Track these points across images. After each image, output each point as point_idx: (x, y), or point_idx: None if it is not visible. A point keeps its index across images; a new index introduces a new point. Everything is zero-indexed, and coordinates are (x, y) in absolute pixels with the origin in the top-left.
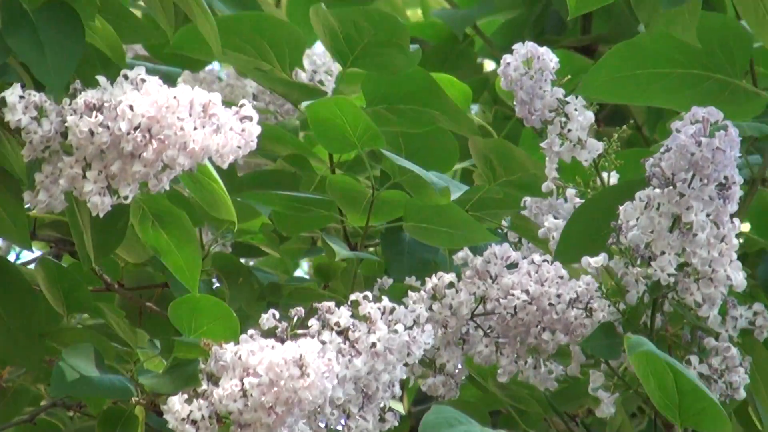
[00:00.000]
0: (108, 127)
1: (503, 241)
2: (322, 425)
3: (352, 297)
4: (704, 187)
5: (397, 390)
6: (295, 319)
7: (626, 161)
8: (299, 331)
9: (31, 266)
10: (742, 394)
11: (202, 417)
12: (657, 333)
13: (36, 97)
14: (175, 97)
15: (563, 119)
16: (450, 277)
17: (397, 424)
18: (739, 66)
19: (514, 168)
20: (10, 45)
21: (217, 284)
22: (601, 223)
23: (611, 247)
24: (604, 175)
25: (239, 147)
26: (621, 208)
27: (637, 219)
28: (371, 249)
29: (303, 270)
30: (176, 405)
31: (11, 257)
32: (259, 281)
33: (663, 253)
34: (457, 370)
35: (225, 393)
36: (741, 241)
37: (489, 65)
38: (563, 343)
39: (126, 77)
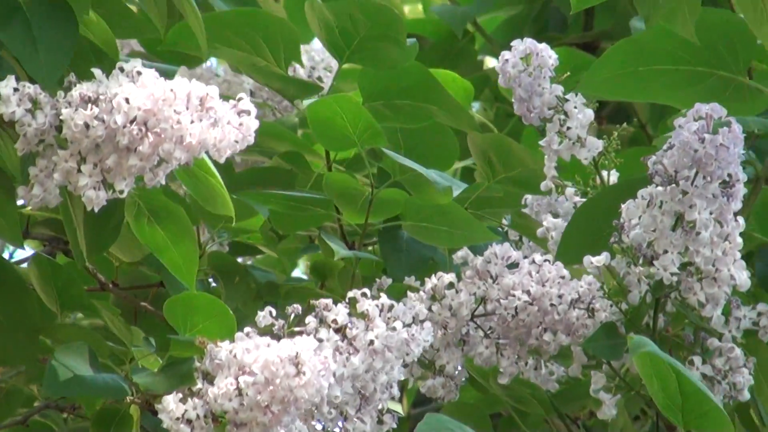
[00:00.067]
0: (103, 120)
1: (504, 240)
2: (319, 428)
3: (350, 294)
4: (708, 184)
5: (395, 391)
6: (292, 316)
7: (629, 160)
8: (296, 329)
9: (24, 266)
10: (746, 395)
11: (197, 416)
12: (659, 333)
13: (30, 89)
14: (171, 90)
15: (562, 117)
16: (450, 277)
17: (395, 426)
18: (743, 63)
19: (514, 164)
20: (2, 40)
21: (213, 284)
22: (602, 222)
23: (613, 246)
24: (604, 173)
25: (237, 141)
26: (623, 206)
27: (640, 217)
28: (369, 249)
29: (301, 270)
30: (171, 404)
31: (4, 256)
32: (256, 280)
33: (666, 251)
34: (456, 372)
35: (220, 392)
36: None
37: (490, 62)
38: (565, 344)
39: (122, 70)
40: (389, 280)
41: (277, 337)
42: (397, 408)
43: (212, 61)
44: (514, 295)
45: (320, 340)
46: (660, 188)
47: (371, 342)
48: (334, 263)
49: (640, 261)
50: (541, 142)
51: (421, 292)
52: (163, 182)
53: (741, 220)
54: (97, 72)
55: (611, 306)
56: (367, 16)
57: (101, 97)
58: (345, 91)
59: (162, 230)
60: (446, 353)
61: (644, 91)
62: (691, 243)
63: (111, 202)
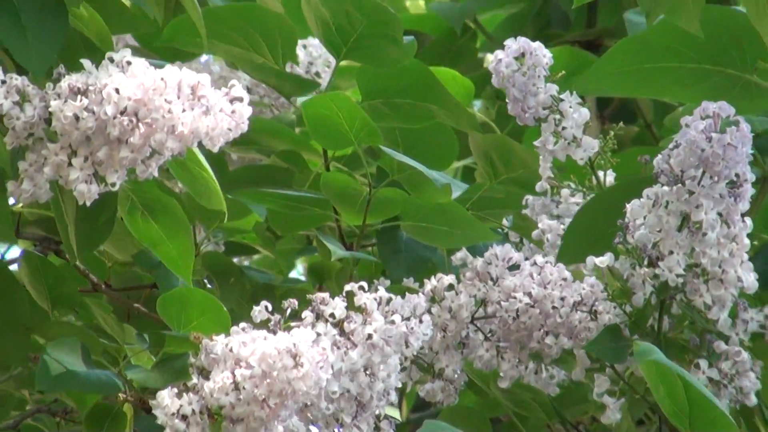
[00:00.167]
0: (93, 112)
1: (504, 241)
2: (316, 431)
3: (347, 288)
4: (714, 184)
5: (393, 397)
6: (289, 311)
7: (634, 160)
8: (292, 324)
9: (14, 267)
10: (753, 399)
11: (193, 411)
12: (665, 336)
13: (18, 81)
14: (162, 79)
15: (558, 117)
16: (449, 278)
17: None
18: (750, 60)
19: (516, 165)
20: None
21: (209, 285)
22: (605, 222)
23: (617, 246)
24: (600, 174)
25: (230, 129)
26: (628, 206)
27: (645, 217)
28: (368, 250)
29: (298, 272)
30: (166, 399)
31: None
32: (252, 282)
33: (671, 252)
34: (456, 375)
35: (216, 386)
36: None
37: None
38: (567, 348)
39: (111, 60)
40: (387, 282)
41: (273, 333)
42: (395, 413)
43: (208, 57)
44: (515, 298)
45: (318, 335)
46: (666, 188)
47: (369, 336)
48: (331, 264)
49: (645, 262)
50: (536, 143)
51: (421, 294)
52: (156, 174)
53: (748, 220)
54: (86, 63)
55: (615, 308)
56: (363, 13)
57: (91, 88)
58: (343, 88)
59: (156, 224)
60: (445, 356)
61: (649, 87)
62: (698, 244)
63: (103, 197)
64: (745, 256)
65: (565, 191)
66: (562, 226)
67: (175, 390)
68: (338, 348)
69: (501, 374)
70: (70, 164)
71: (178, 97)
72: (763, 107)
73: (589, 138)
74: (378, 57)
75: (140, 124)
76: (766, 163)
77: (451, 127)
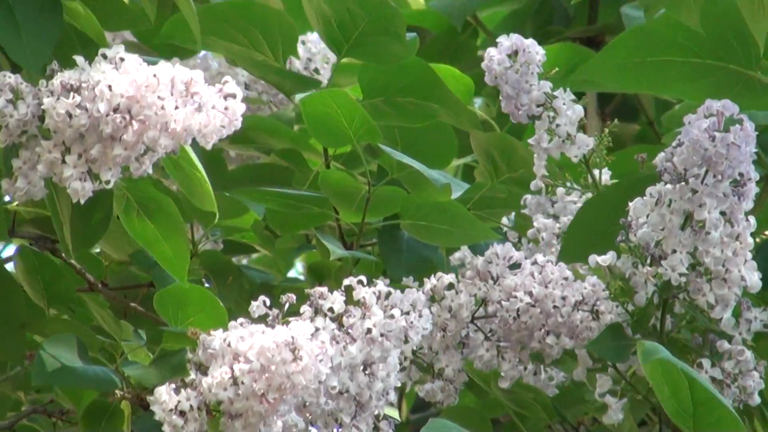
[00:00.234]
0: (86, 109)
1: (505, 240)
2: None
3: (346, 282)
4: (718, 183)
5: (392, 397)
6: (287, 306)
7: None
8: (291, 319)
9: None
10: (757, 399)
11: (191, 407)
12: (667, 335)
13: (11, 78)
14: (155, 76)
15: (551, 114)
16: (450, 277)
17: None
18: (754, 57)
19: (518, 164)
20: None
21: (207, 284)
22: (607, 221)
23: (619, 245)
24: (596, 172)
25: (223, 126)
26: (631, 204)
27: (648, 216)
28: (368, 249)
29: (297, 272)
30: (163, 395)
31: None
32: (250, 281)
33: (674, 251)
34: (456, 376)
35: (214, 381)
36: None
37: None
38: (568, 348)
39: (104, 56)
40: (387, 281)
41: (272, 327)
42: (395, 413)
43: (206, 53)
44: (516, 297)
45: (316, 329)
46: (669, 186)
47: (368, 330)
48: (331, 264)
49: (648, 261)
50: (530, 141)
51: (420, 293)
52: (150, 171)
53: (752, 219)
54: (79, 59)
55: (617, 307)
56: (366, 9)
57: (84, 85)
58: (344, 85)
59: (152, 223)
60: (445, 356)
61: (651, 82)
62: (701, 243)
63: (98, 195)
64: (749, 255)
65: (560, 190)
66: (557, 225)
67: (173, 386)
68: (337, 342)
69: (502, 374)
70: (63, 162)
71: (171, 94)
72: (767, 105)
73: (583, 135)
74: (380, 54)
75: (133, 122)
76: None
77: (450, 125)
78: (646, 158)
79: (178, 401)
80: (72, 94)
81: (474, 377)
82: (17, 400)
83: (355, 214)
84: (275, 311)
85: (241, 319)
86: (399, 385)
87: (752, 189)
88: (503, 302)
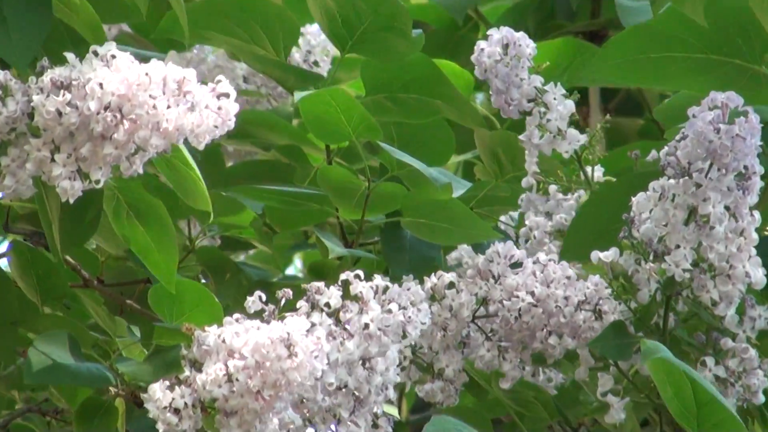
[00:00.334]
0: (76, 107)
1: (506, 238)
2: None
3: (343, 276)
4: (722, 177)
5: (391, 393)
6: (283, 301)
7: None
8: (287, 314)
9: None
10: (761, 398)
11: (185, 405)
12: (670, 333)
13: (0, 75)
14: (146, 74)
15: (542, 109)
16: (450, 276)
17: (390, 430)
18: (759, 51)
19: (522, 162)
20: None
21: (204, 281)
22: (609, 218)
23: (622, 242)
24: (588, 169)
25: (216, 126)
26: (634, 199)
27: (651, 211)
28: (369, 247)
29: (296, 269)
30: (157, 392)
31: None
32: (248, 277)
33: (678, 247)
34: (456, 376)
35: (209, 378)
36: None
37: None
38: (570, 348)
39: (96, 53)
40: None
41: (267, 323)
42: (394, 411)
43: (204, 46)
44: (517, 297)
45: (312, 324)
46: (672, 180)
47: (366, 325)
48: (332, 262)
49: (651, 257)
50: (521, 137)
51: (419, 287)
52: (141, 171)
53: (757, 214)
54: (70, 56)
55: (620, 305)
56: (371, 5)
57: (74, 82)
58: (345, 80)
59: (142, 226)
60: (446, 356)
61: (656, 78)
62: (705, 238)
63: (88, 194)
64: (754, 251)
65: (552, 187)
66: (549, 223)
67: (167, 383)
68: (334, 338)
69: (503, 375)
70: (53, 160)
71: (163, 93)
72: None
73: (574, 131)
74: (385, 51)
75: (124, 120)
76: None
77: (448, 122)
78: (640, 155)
79: (173, 398)
80: (62, 91)
81: (475, 377)
82: (11, 399)
83: (354, 211)
84: (271, 307)
85: (236, 315)
86: (398, 380)
87: (757, 183)
88: (505, 302)
